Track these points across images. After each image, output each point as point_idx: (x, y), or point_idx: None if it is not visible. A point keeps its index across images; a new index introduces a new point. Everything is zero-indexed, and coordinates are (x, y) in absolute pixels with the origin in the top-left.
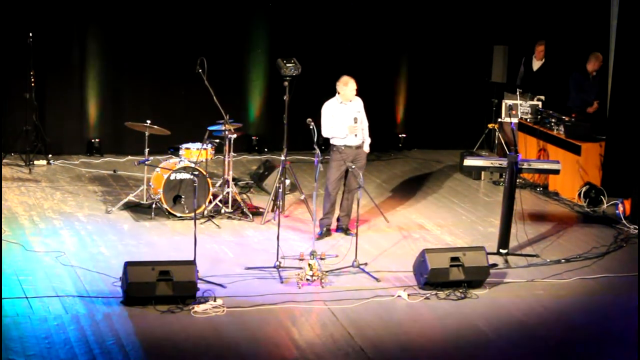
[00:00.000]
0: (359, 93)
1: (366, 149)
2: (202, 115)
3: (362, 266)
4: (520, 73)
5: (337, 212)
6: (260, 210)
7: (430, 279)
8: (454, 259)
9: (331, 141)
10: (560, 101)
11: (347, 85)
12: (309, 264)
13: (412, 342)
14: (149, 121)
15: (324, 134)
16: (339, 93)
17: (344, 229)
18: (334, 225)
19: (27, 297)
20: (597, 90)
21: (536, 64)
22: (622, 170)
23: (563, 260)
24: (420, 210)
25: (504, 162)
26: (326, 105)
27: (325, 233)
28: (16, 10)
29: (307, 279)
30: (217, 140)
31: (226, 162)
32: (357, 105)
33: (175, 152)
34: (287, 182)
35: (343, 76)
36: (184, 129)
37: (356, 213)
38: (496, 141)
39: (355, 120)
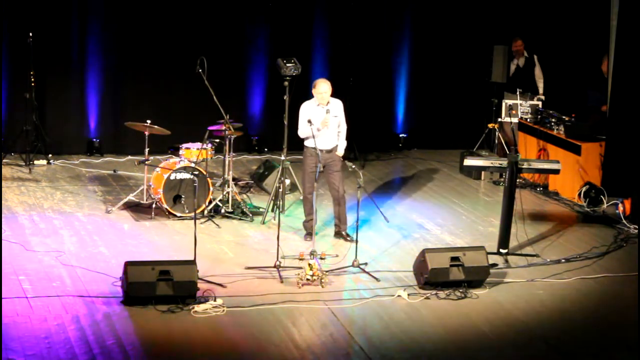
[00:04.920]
0: (360, 93)
1: (339, 152)
2: (202, 115)
3: (362, 266)
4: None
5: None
6: (261, 210)
7: (430, 278)
8: (454, 258)
9: (305, 142)
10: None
11: (315, 88)
12: (309, 264)
13: (412, 342)
14: (149, 121)
15: (300, 134)
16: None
17: (342, 235)
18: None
19: (27, 297)
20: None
21: (521, 61)
22: (622, 170)
23: (563, 260)
24: (420, 210)
25: (504, 162)
26: (303, 106)
27: (307, 236)
28: (16, 10)
29: (307, 279)
30: (217, 140)
31: (226, 162)
32: (335, 109)
33: (175, 152)
34: (287, 182)
35: (317, 79)
36: (184, 129)
37: (356, 213)
38: (496, 141)
39: (328, 111)
